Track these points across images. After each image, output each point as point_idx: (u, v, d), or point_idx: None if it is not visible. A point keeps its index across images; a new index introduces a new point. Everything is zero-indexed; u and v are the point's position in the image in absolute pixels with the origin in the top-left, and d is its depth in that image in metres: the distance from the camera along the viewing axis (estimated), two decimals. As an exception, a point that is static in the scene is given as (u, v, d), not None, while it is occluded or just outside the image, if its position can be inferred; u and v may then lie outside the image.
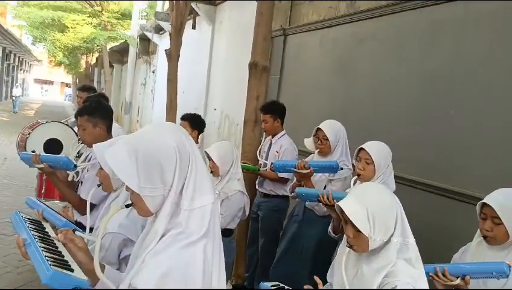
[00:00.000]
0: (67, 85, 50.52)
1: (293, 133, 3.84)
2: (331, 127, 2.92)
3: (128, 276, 1.06)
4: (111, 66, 18.84)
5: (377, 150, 2.38)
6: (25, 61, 39.15)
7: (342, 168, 2.76)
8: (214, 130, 7.21)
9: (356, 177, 2.41)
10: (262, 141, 3.76)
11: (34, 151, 2.85)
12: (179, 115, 5.82)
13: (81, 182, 2.56)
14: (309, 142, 3.03)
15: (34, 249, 1.26)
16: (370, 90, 3.73)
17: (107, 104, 2.73)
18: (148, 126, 1.17)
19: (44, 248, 1.29)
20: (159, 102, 11.29)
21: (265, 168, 3.56)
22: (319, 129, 2.92)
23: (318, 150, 2.93)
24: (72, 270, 1.23)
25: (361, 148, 2.39)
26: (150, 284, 0.98)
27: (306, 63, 4.71)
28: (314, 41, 4.57)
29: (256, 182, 3.72)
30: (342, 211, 1.50)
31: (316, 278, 1.68)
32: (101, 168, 1.74)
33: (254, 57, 3.79)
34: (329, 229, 2.46)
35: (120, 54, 18.33)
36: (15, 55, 30.84)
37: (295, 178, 2.98)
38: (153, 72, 13.17)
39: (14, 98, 21.44)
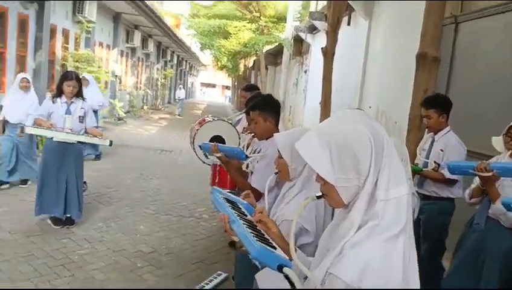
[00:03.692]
0: (227, 88, 55.70)
1: (463, 131, 3.43)
2: None
3: (322, 264, 1.06)
4: (266, 68, 19.98)
5: None
6: (194, 66, 44.51)
7: None
8: (370, 128, 6.97)
9: None
10: (424, 138, 3.45)
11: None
12: (333, 112, 5.79)
13: (251, 172, 2.75)
14: (498, 142, 2.62)
15: (238, 225, 1.31)
16: None
17: (276, 100, 2.86)
18: (336, 115, 1.13)
19: (246, 225, 1.34)
20: (310, 101, 11.47)
21: (426, 168, 3.26)
22: None
23: (511, 151, 2.51)
24: (275, 248, 1.24)
25: None
26: (352, 275, 0.96)
27: (483, 52, 4.16)
28: (494, 27, 4.00)
29: (415, 182, 3.39)
30: None
31: None
32: (280, 157, 1.82)
33: (423, 47, 3.50)
34: None
35: (274, 56, 19.31)
36: (186, 61, 35.35)
37: (476, 182, 2.65)
38: (305, 72, 13.46)
39: (177, 100, 22.88)
